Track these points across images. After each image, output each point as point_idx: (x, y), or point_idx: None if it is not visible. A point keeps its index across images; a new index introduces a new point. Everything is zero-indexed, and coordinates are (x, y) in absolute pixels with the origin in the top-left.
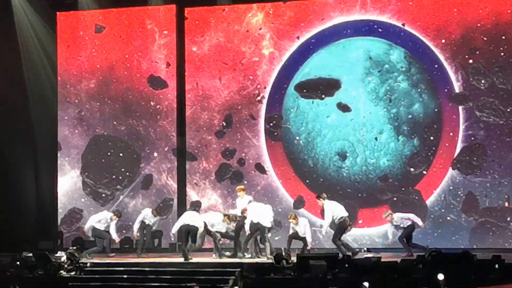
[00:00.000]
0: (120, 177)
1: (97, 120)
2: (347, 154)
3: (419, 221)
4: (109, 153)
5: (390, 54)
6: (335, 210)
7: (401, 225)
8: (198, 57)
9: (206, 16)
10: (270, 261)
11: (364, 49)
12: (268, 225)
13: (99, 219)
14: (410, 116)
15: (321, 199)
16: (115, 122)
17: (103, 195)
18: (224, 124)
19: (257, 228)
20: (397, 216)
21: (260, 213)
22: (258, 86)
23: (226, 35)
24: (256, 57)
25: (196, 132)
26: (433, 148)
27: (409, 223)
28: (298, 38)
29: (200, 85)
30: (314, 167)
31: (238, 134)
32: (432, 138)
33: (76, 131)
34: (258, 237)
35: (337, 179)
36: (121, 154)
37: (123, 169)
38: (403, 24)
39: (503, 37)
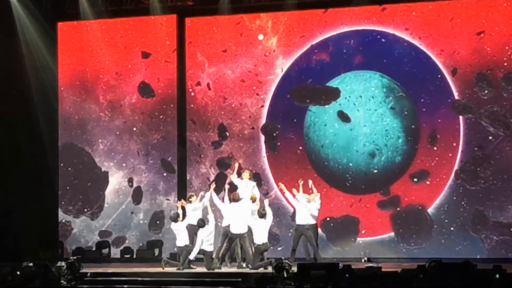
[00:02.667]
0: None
1: (98, 130)
2: (376, 153)
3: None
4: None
5: (395, 83)
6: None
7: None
8: (199, 66)
9: (208, 26)
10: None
11: (376, 79)
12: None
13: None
14: (413, 127)
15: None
16: (117, 133)
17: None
18: (224, 134)
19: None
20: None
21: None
22: (261, 96)
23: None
24: (260, 70)
25: (195, 143)
26: (436, 158)
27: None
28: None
29: (202, 96)
30: (325, 174)
31: (236, 144)
32: (435, 148)
33: (77, 141)
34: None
35: (344, 188)
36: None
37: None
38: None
39: (506, 47)
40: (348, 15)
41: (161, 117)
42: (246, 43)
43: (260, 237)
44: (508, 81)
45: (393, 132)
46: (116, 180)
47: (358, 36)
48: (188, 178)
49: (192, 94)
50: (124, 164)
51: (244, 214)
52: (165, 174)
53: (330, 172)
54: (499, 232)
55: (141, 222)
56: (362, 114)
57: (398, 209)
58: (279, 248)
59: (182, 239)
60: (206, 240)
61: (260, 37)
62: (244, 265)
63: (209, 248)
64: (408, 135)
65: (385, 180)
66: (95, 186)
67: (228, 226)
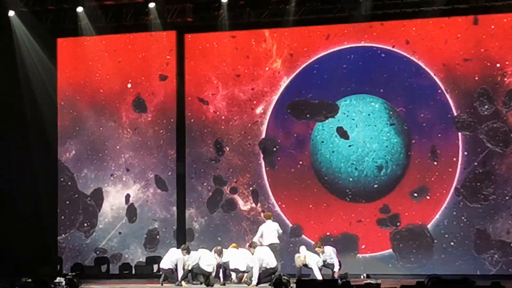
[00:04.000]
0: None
1: (96, 145)
2: (383, 167)
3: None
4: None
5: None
6: (264, 258)
7: (327, 261)
8: (197, 82)
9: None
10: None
11: (379, 103)
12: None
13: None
14: (413, 142)
15: (251, 248)
16: (117, 147)
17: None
18: (222, 150)
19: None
20: (328, 249)
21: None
22: (257, 112)
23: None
24: (260, 85)
25: (194, 160)
26: (436, 174)
27: (337, 260)
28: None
29: (201, 112)
30: (327, 189)
31: (235, 160)
32: (435, 163)
33: (76, 157)
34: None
35: (345, 201)
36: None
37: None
38: (393, 46)
39: (507, 62)
40: (348, 31)
41: (161, 131)
42: (246, 59)
43: (270, 261)
44: (509, 97)
45: (395, 147)
46: (111, 197)
47: (358, 52)
48: (186, 194)
49: (191, 109)
50: (119, 181)
51: (246, 257)
52: (161, 190)
53: (332, 187)
54: (500, 249)
55: (136, 239)
56: (363, 130)
57: (398, 225)
58: None
59: (166, 262)
60: (204, 262)
61: (264, 59)
62: (244, 279)
63: (208, 268)
64: (408, 150)
65: (385, 194)
66: (90, 203)
67: (227, 262)
